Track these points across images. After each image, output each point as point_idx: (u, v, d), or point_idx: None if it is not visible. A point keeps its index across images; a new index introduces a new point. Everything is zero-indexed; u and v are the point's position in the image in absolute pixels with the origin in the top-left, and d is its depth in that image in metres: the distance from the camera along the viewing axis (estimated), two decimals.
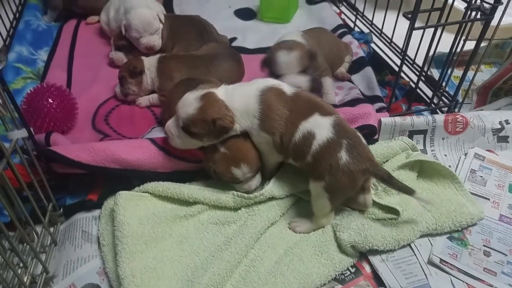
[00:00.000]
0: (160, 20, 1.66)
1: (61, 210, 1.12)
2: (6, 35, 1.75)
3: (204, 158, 1.14)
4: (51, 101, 1.27)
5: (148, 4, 1.69)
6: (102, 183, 1.18)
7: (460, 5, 1.42)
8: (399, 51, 1.61)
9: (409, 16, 1.05)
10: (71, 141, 1.26)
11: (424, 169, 1.19)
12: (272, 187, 1.12)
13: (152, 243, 1.04)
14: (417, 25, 1.13)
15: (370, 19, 1.84)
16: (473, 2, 1.14)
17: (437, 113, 1.41)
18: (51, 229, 1.10)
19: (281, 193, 1.12)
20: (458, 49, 1.29)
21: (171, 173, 1.17)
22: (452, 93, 1.40)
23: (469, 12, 1.18)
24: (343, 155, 0.96)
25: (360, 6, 1.94)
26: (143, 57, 1.53)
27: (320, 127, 0.99)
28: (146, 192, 1.11)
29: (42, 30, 1.86)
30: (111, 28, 1.81)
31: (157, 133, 1.36)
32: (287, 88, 1.08)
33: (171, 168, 1.16)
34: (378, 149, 1.20)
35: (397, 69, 1.56)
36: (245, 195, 1.11)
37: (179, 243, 1.06)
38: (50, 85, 1.31)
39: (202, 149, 1.13)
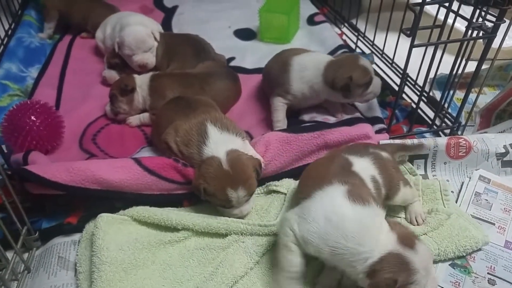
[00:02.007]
0: (155, 38, 1.63)
1: (37, 234, 1.05)
2: None
3: (195, 174, 1.07)
4: (34, 119, 1.21)
5: (144, 22, 1.67)
6: (83, 205, 1.11)
7: (462, 26, 1.39)
8: (401, 71, 1.56)
9: (408, 32, 1.00)
10: (55, 161, 1.20)
11: (425, 192, 1.13)
12: None
13: (132, 270, 0.96)
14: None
15: (372, 39, 1.80)
16: (474, 20, 1.09)
17: (439, 135, 1.35)
18: (26, 255, 1.03)
19: None
20: (460, 70, 1.24)
21: (156, 195, 1.10)
22: (454, 115, 1.34)
23: (470, 31, 1.14)
24: None
25: (361, 27, 1.91)
26: (135, 75, 1.49)
27: None
28: (129, 217, 1.05)
29: (35, 47, 1.83)
30: (106, 46, 1.78)
31: (146, 154, 1.30)
32: None
33: (156, 190, 1.09)
34: None
35: (393, 85, 1.53)
36: (249, 224, 1.03)
37: (162, 271, 0.98)
38: (34, 102, 1.26)
39: (194, 166, 1.07)
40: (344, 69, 1.28)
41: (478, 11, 1.10)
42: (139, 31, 1.58)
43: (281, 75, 1.37)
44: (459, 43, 1.18)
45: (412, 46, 1.05)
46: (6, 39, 1.83)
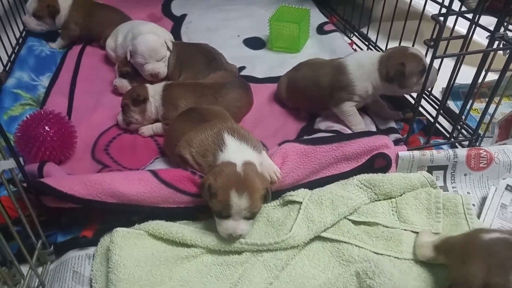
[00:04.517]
0: (168, 48, 1.62)
1: (52, 247, 1.03)
2: (7, 60, 1.71)
3: (209, 172, 1.03)
4: (48, 129, 1.19)
5: (156, 31, 1.66)
6: (98, 218, 1.09)
7: (479, 38, 1.38)
8: None
9: (431, 44, 0.98)
10: (68, 171, 1.18)
11: (446, 206, 1.11)
12: (297, 232, 1.02)
13: (149, 287, 0.93)
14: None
15: (384, 49, 1.79)
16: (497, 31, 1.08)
17: (457, 147, 1.33)
18: (40, 269, 1.01)
19: (306, 237, 1.03)
20: (479, 80, 1.22)
21: (172, 208, 1.08)
22: (471, 126, 1.32)
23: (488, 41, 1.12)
24: None
25: (371, 36, 1.89)
26: (148, 85, 1.48)
27: None
28: (145, 231, 1.02)
29: (46, 55, 1.83)
30: (117, 54, 1.78)
31: (160, 164, 1.29)
32: None
33: (173, 203, 1.07)
34: (394, 179, 1.12)
35: (410, 99, 1.51)
36: (264, 244, 1.00)
37: (180, 287, 0.96)
38: (48, 112, 1.25)
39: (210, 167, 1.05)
40: (394, 58, 1.28)
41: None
42: (152, 40, 1.57)
43: (338, 79, 1.35)
44: (477, 54, 1.16)
45: (434, 57, 1.04)
46: (17, 47, 1.82)
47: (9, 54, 1.75)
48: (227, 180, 0.97)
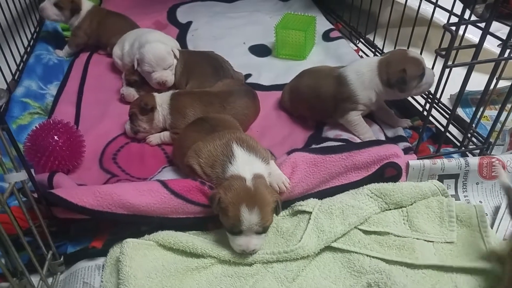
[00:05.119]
0: (175, 56, 1.62)
1: (62, 258, 1.02)
2: (15, 69, 1.71)
3: (219, 186, 1.03)
4: (57, 139, 1.20)
5: (163, 39, 1.66)
6: (107, 228, 1.08)
7: (489, 44, 1.37)
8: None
9: (443, 53, 0.98)
10: (76, 181, 1.18)
11: (460, 217, 1.09)
12: (307, 242, 1.01)
13: None
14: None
15: None
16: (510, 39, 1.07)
17: (467, 155, 1.32)
18: (50, 279, 1.00)
19: (317, 247, 1.02)
20: (490, 88, 1.21)
21: (182, 218, 1.07)
22: (481, 133, 1.31)
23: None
24: None
25: (377, 43, 1.89)
26: (155, 94, 1.48)
27: None
28: (155, 242, 1.02)
29: (53, 64, 1.83)
30: (124, 63, 1.78)
31: (168, 173, 1.28)
32: None
33: (182, 214, 1.07)
34: (404, 188, 1.12)
35: (419, 107, 1.50)
36: (274, 253, 0.99)
37: None
38: (57, 122, 1.25)
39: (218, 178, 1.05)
40: (395, 64, 1.28)
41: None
42: (159, 48, 1.57)
43: (340, 91, 1.35)
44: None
45: (445, 66, 1.03)
46: (25, 56, 1.83)
47: (17, 62, 1.75)
48: (237, 196, 0.97)
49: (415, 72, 1.27)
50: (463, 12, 0.97)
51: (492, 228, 1.09)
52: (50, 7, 1.88)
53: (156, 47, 1.57)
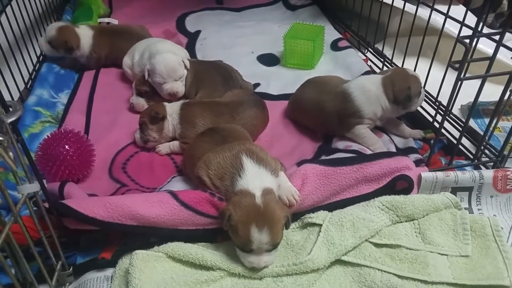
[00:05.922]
0: (185, 67, 1.62)
1: (71, 269, 1.02)
2: (28, 78, 1.72)
3: (226, 203, 1.03)
4: (68, 148, 1.20)
5: (174, 50, 1.67)
6: (117, 239, 1.08)
7: (501, 55, 1.36)
8: (432, 99, 1.52)
9: (456, 66, 0.97)
10: (86, 191, 1.18)
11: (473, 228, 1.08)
12: (317, 255, 0.99)
13: None
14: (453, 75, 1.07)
15: (399, 66, 1.77)
16: None
17: (481, 168, 1.30)
18: None
19: (327, 260, 1.00)
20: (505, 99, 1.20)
21: (191, 230, 1.06)
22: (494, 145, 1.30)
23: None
24: None
25: (386, 52, 1.88)
26: (165, 103, 1.48)
27: None
28: (165, 253, 1.01)
29: (64, 72, 1.84)
30: (134, 73, 1.78)
31: (177, 183, 1.28)
32: None
33: (192, 225, 1.06)
34: (416, 201, 1.10)
35: (429, 117, 1.49)
36: (283, 265, 0.98)
37: None
38: (68, 131, 1.26)
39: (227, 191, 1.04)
40: (400, 82, 1.32)
41: None
42: (170, 59, 1.57)
43: (345, 107, 1.36)
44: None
45: (459, 79, 1.02)
46: (37, 65, 1.84)
47: (29, 71, 1.76)
48: (247, 214, 0.96)
49: (417, 89, 1.33)
50: (477, 24, 0.96)
51: (507, 242, 1.07)
52: (44, 44, 1.81)
53: (168, 58, 1.57)
